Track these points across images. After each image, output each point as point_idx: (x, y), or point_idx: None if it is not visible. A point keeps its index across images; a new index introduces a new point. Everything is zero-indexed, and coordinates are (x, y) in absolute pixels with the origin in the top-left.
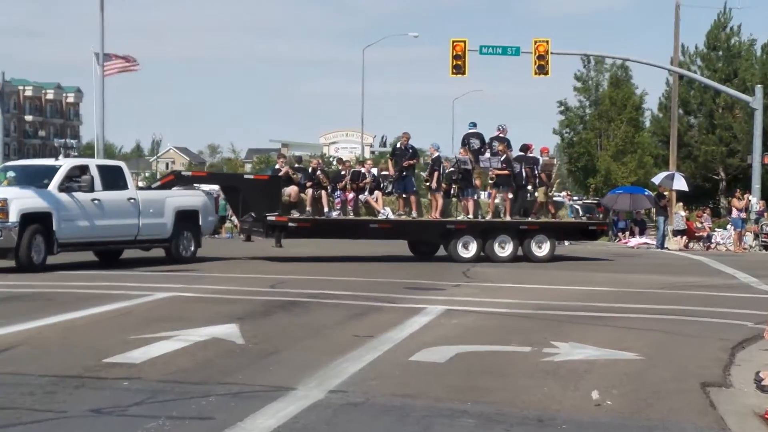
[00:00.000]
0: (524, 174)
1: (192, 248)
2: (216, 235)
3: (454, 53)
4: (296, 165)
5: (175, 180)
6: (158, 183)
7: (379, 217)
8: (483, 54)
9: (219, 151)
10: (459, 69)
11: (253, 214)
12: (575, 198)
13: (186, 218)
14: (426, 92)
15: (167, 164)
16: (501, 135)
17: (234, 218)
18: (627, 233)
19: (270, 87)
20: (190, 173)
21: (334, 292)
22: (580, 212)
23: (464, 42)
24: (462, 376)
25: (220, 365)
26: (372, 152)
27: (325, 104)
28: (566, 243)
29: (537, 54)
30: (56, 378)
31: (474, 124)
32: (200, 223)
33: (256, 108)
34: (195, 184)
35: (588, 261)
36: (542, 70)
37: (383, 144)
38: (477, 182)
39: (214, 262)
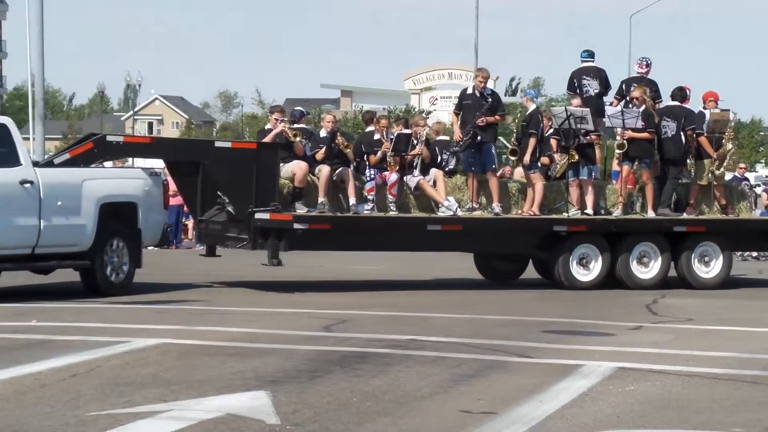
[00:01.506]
0: (681, 138)
1: (126, 268)
2: (171, 245)
3: None
4: (297, 125)
5: (95, 149)
6: (66, 155)
7: (442, 213)
8: None
9: (237, 104)
10: None
11: (229, 209)
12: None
13: (117, 216)
14: (580, 2)
15: (150, 125)
16: (643, 73)
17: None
18: None
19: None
20: (121, 139)
21: (427, 339)
22: None
23: None
24: None
25: None
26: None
27: (413, 27)
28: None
29: None
30: None
31: (589, 54)
32: (140, 224)
33: (295, 33)
34: (131, 158)
35: None
36: None
37: (511, 92)
38: (597, 152)
39: (218, 290)
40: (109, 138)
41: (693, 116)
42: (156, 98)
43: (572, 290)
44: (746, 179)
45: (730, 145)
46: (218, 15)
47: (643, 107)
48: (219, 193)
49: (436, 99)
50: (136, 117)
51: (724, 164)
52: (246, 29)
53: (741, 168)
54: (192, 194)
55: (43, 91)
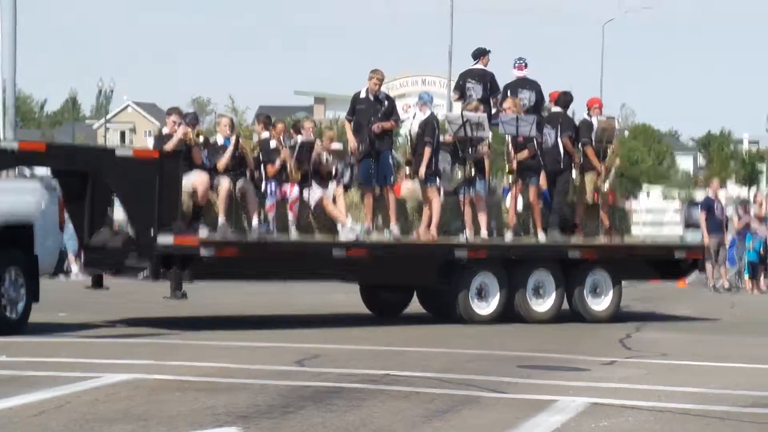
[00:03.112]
0: (560, 149)
1: (22, 301)
2: (70, 274)
3: None
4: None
5: None
6: None
7: (343, 236)
8: None
9: (210, 110)
10: None
11: (129, 232)
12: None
13: (12, 240)
14: (556, 9)
15: (123, 133)
16: (522, 74)
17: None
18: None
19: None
20: (16, 146)
21: (400, 373)
22: None
23: None
24: None
25: None
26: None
27: (385, 29)
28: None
29: None
30: None
31: (478, 54)
32: (36, 249)
33: (270, 38)
34: (23, 167)
35: None
36: None
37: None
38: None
39: (189, 323)
40: (2, 145)
41: (569, 123)
42: (128, 105)
43: (471, 324)
44: (718, 200)
45: (618, 161)
46: (191, 20)
47: (534, 117)
48: (109, 212)
49: (410, 106)
50: (108, 125)
51: (610, 178)
52: (219, 35)
53: (715, 186)
54: (80, 211)
55: (15, 98)
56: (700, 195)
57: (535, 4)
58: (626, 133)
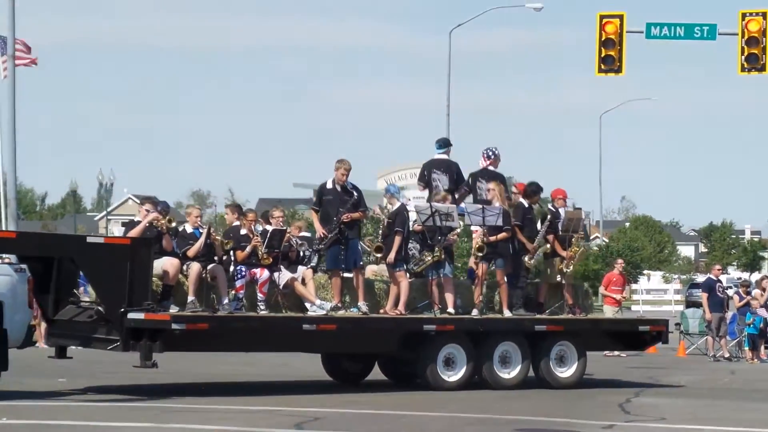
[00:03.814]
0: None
1: None
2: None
3: (604, 37)
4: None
5: None
6: None
7: (312, 313)
8: (651, 38)
9: (210, 204)
10: (611, 63)
11: (100, 308)
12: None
13: None
14: (552, 102)
15: (124, 224)
16: (490, 167)
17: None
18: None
19: (291, 96)
20: None
21: None
22: None
23: (620, 18)
24: None
25: None
26: None
27: (386, 125)
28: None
29: (746, 36)
30: None
31: (442, 144)
32: (5, 324)
33: (269, 131)
34: None
35: None
36: (755, 63)
37: None
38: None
39: (187, 388)
40: None
41: (517, 213)
42: (129, 198)
43: (440, 391)
44: (719, 281)
45: (580, 247)
46: (190, 114)
47: (499, 204)
48: (75, 291)
49: (409, 200)
50: (109, 217)
51: (573, 263)
52: (219, 129)
53: (717, 270)
54: (45, 289)
55: (16, 191)
56: (700, 279)
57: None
58: (627, 224)
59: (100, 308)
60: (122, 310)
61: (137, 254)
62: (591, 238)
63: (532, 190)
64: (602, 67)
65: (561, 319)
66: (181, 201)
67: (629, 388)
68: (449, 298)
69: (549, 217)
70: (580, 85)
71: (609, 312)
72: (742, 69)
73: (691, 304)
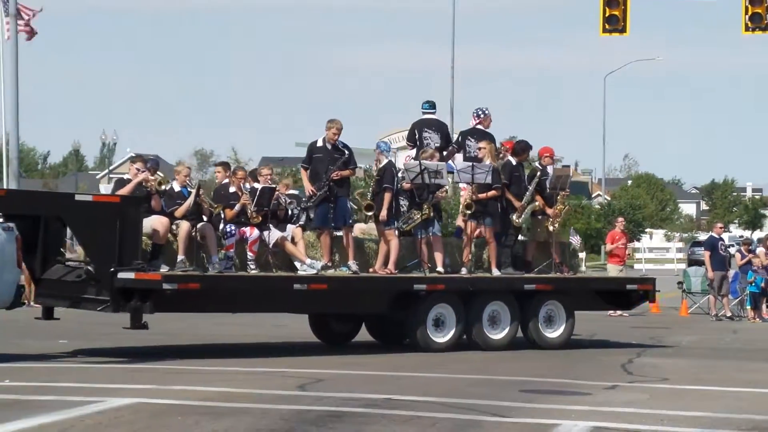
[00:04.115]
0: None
1: None
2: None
3: None
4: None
5: None
6: None
7: (302, 272)
8: None
9: (213, 162)
10: (615, 23)
11: (89, 268)
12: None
13: None
14: (557, 63)
15: (117, 182)
16: (479, 126)
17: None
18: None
19: (294, 56)
20: None
21: (402, 398)
22: None
23: None
24: None
25: None
26: None
27: (387, 85)
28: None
29: None
30: None
31: (431, 106)
32: None
33: (271, 92)
34: None
35: None
36: (759, 22)
37: None
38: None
39: (190, 349)
40: None
41: (505, 170)
42: (131, 156)
43: (429, 352)
44: (722, 239)
45: (566, 205)
46: (193, 73)
47: (489, 162)
48: (62, 250)
49: (409, 157)
50: (111, 176)
51: (558, 221)
52: (222, 87)
53: (719, 228)
54: (32, 249)
55: (18, 150)
56: (702, 237)
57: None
58: (629, 182)
59: (89, 268)
60: (112, 269)
61: (127, 213)
62: (593, 196)
63: (521, 147)
64: (606, 26)
65: (550, 278)
66: (184, 160)
67: (631, 348)
68: (438, 257)
69: (539, 174)
70: (584, 46)
71: (613, 271)
72: (746, 28)
73: (693, 262)
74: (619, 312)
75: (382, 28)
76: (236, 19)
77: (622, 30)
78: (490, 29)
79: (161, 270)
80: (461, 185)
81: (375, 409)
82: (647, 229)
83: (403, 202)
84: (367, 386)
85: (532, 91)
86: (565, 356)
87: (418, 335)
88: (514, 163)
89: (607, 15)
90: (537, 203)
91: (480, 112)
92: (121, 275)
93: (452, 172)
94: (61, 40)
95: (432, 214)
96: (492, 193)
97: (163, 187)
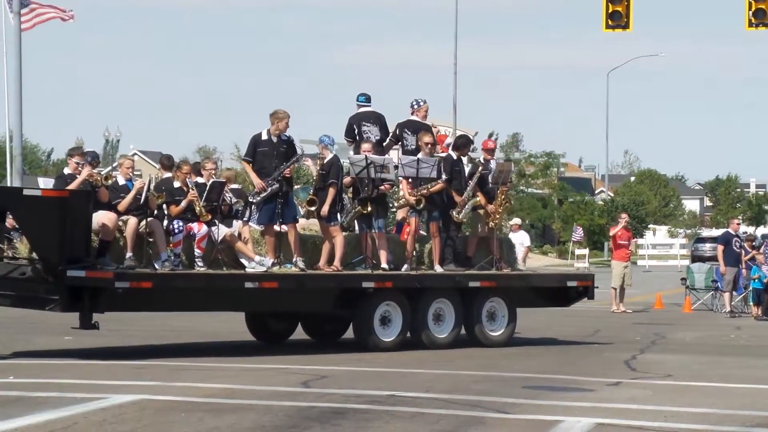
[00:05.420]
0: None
1: None
2: None
3: None
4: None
5: None
6: None
7: (251, 270)
8: None
9: (216, 159)
10: (618, 19)
11: (37, 266)
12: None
13: None
14: (560, 59)
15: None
16: (414, 117)
17: None
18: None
19: (295, 52)
20: None
21: (406, 394)
22: None
23: None
24: None
25: None
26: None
27: (389, 82)
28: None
29: None
30: None
31: (367, 99)
32: None
33: (271, 87)
34: None
35: None
36: (762, 18)
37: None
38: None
39: (194, 346)
40: None
41: (446, 165)
42: (135, 153)
43: (376, 351)
44: (737, 236)
45: (504, 201)
46: (196, 69)
47: (437, 156)
48: (1, 246)
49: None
50: (114, 172)
51: (498, 216)
52: (225, 84)
53: (735, 224)
54: None
55: (21, 147)
56: (706, 233)
57: (538, 58)
58: (632, 178)
59: (37, 265)
60: (61, 267)
61: (76, 208)
62: (596, 192)
63: (462, 142)
64: (609, 23)
65: (494, 275)
66: (188, 157)
67: (634, 345)
68: (383, 254)
69: (480, 168)
70: (588, 42)
71: (617, 268)
72: (750, 24)
73: (696, 258)
74: (622, 308)
75: (385, 25)
76: (239, 16)
77: (625, 26)
78: (493, 25)
79: (109, 268)
80: (400, 178)
81: (378, 406)
82: (650, 226)
83: (346, 197)
84: (370, 383)
85: (535, 87)
86: (568, 352)
87: (365, 334)
88: (454, 157)
89: (610, 11)
90: (478, 198)
91: (415, 103)
92: (71, 273)
93: (396, 167)
94: (64, 37)
95: (371, 208)
96: (439, 186)
97: (109, 182)
